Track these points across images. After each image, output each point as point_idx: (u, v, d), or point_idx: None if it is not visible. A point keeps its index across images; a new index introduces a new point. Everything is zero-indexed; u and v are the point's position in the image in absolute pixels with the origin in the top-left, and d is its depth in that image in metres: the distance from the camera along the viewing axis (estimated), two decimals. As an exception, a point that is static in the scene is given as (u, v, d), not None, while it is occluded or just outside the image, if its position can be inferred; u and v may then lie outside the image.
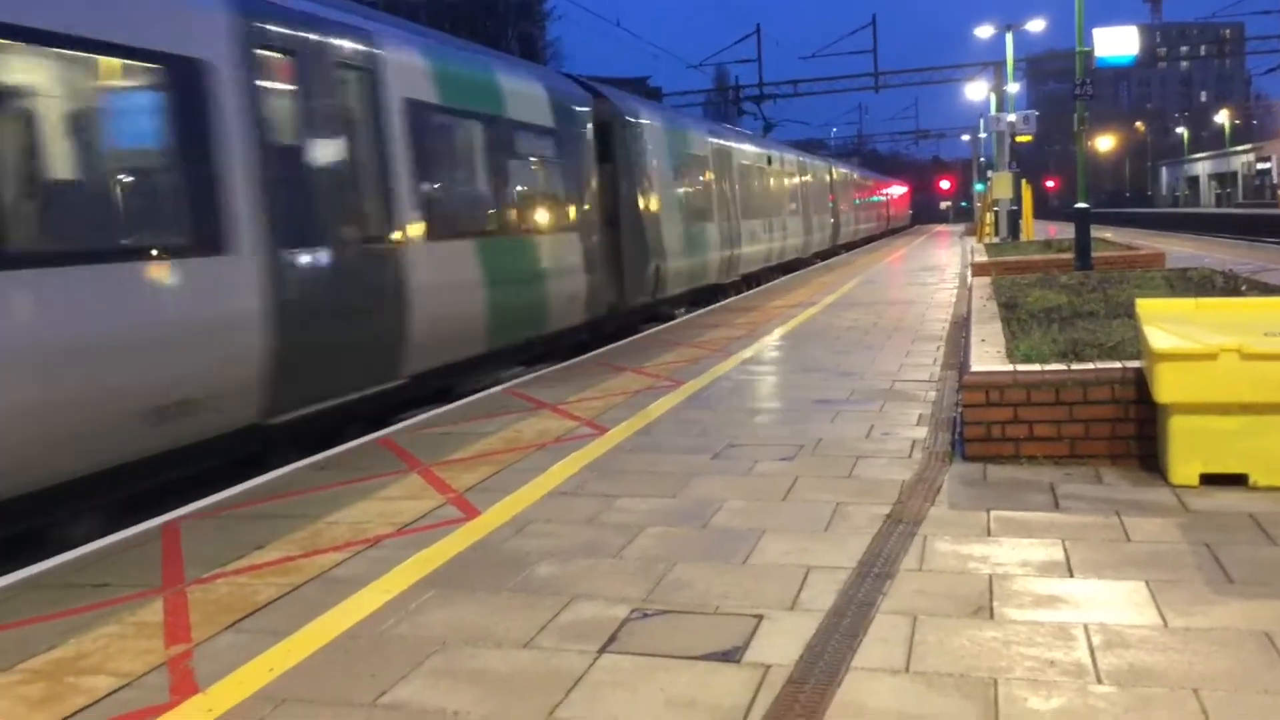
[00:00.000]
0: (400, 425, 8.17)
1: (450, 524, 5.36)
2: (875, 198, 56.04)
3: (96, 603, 4.46)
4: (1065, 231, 26.50)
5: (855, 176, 47.78)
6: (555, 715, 3.26)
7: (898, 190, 70.67)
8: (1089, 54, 17.82)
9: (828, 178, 38.16)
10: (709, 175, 21.15)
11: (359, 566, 4.76)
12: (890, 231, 61.28)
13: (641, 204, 16.42)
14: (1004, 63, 35.13)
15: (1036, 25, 34.52)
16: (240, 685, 3.57)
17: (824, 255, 35.92)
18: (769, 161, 27.42)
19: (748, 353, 11.32)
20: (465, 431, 7.72)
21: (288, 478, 6.57)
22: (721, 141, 22.66)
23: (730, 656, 3.63)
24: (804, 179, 32.65)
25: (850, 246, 42.78)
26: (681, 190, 18.94)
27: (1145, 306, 6.51)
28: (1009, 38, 33.47)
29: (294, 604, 4.32)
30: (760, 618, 3.96)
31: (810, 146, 56.03)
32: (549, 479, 6.18)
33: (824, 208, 36.78)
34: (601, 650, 3.73)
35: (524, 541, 5.03)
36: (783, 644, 3.71)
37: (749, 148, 25.53)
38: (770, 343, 12.12)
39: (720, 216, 21.52)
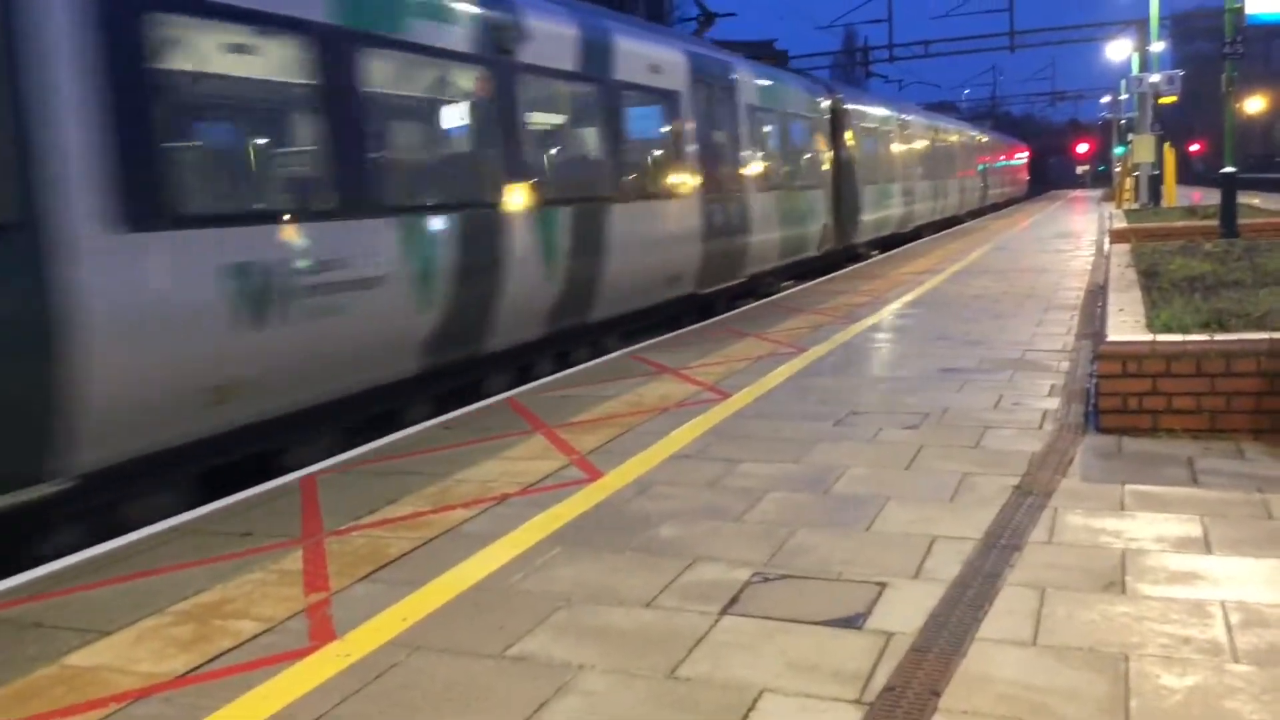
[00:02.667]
0: (525, 388, 8.32)
1: (574, 484, 5.45)
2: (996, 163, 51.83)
3: (240, 551, 4.68)
4: (1209, 198, 25.37)
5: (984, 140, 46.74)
6: (677, 673, 3.31)
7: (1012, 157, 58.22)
8: (1239, 11, 16.92)
9: (979, 141, 43.38)
10: (893, 145, 26.30)
11: (486, 523, 4.88)
12: (1001, 204, 49.33)
13: (853, 170, 21.67)
14: (1147, 20, 33.63)
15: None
16: (375, 633, 3.72)
17: (975, 214, 39.77)
18: (935, 132, 32.74)
19: (872, 319, 11.17)
20: (588, 394, 7.82)
21: (417, 436, 6.77)
22: (901, 116, 27.79)
23: (852, 623, 3.63)
24: (961, 144, 37.90)
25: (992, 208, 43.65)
26: (876, 158, 24.11)
27: (1296, 275, 6.21)
28: (1153, -7, 31.97)
29: (425, 557, 4.47)
30: (883, 585, 3.94)
31: (941, 109, 54.61)
32: (671, 442, 6.23)
33: (974, 171, 41.57)
34: (723, 612, 3.77)
35: (646, 503, 5.09)
36: (906, 612, 3.69)
37: (918, 119, 30.55)
38: (895, 310, 11.94)
39: (901, 179, 26.68)
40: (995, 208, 45.85)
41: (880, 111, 25.67)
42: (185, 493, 6.08)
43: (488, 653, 3.52)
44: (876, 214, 23.80)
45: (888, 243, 24.93)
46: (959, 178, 37.60)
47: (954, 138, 37.38)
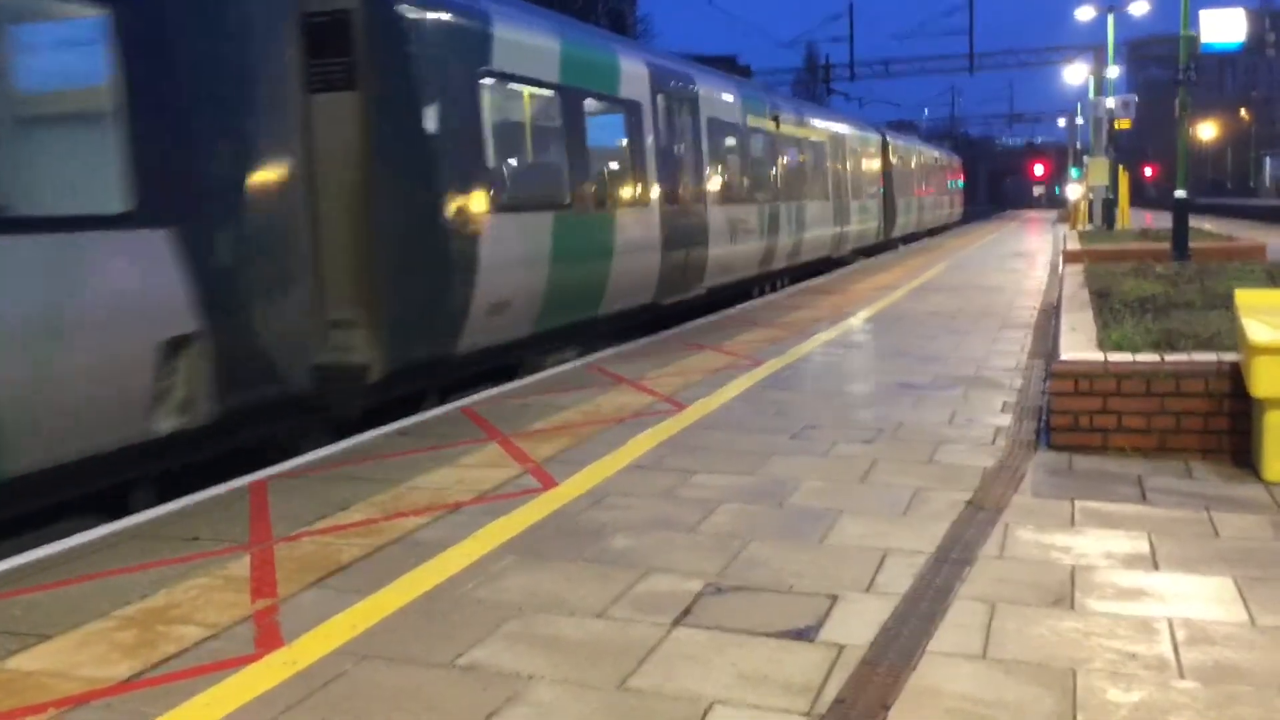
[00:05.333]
0: (480, 395, 8.27)
1: (529, 493, 5.42)
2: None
3: (187, 555, 4.60)
4: (1162, 221, 25.75)
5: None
6: (628, 684, 3.29)
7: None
8: (1194, 38, 17.24)
9: (953, 163, 49.76)
10: (912, 168, 34.58)
11: (439, 531, 4.84)
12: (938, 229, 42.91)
13: (894, 186, 30.23)
14: (1104, 46, 34.20)
15: (1140, 8, 33.49)
16: (323, 640, 3.67)
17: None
18: (935, 158, 42.16)
19: (829, 335, 11.23)
20: (544, 403, 7.79)
21: (370, 443, 6.70)
22: (916, 147, 37.27)
23: (804, 635, 3.63)
24: (944, 166, 45.24)
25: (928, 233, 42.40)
26: (905, 177, 32.53)
27: (1244, 298, 6.32)
28: (1110, 20, 32.57)
29: (376, 564, 4.42)
30: (835, 598, 3.95)
31: (901, 129, 55.17)
32: (626, 453, 6.22)
33: (957, 189, 49.90)
34: (675, 623, 3.75)
35: (601, 513, 5.07)
36: (857, 625, 3.70)
37: (921, 148, 39.45)
38: (853, 325, 12.01)
39: (914, 192, 35.10)
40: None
41: (910, 144, 33.08)
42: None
43: (437, 661, 3.48)
44: (902, 219, 30.62)
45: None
46: (949, 193, 41.86)
47: (943, 162, 42.41)
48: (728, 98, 16.25)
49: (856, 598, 3.95)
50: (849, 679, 3.29)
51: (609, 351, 10.66)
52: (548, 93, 10.43)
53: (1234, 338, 6.27)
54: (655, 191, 12.77)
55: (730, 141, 16.37)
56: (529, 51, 9.99)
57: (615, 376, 8.89)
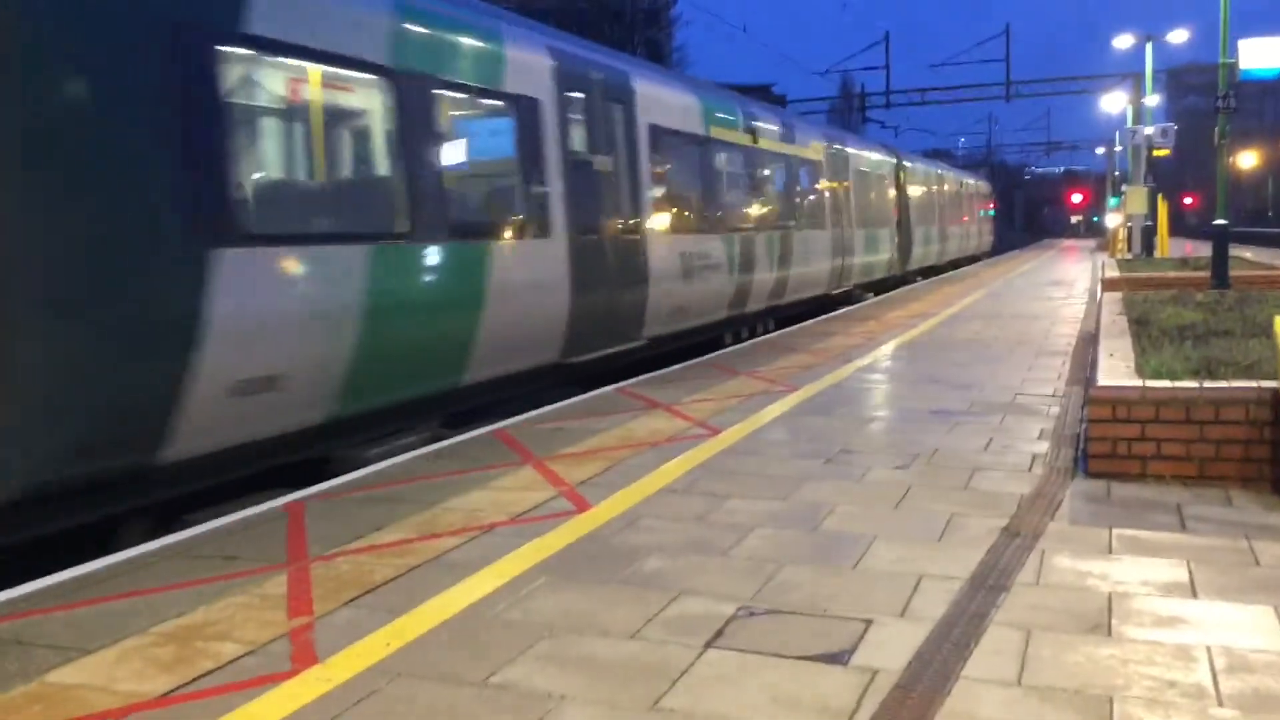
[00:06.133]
0: (515, 420, 8.31)
1: (562, 515, 5.44)
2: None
3: (225, 574, 4.66)
4: (1202, 250, 25.52)
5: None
6: (660, 705, 3.29)
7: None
8: (1233, 65, 17.13)
9: (981, 189, 47.41)
10: (933, 194, 32.34)
11: (473, 552, 4.87)
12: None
13: (909, 213, 27.76)
14: (1142, 74, 34.02)
15: (1179, 36, 33.34)
16: (357, 658, 3.69)
17: (973, 260, 41.88)
18: (961, 185, 39.65)
19: (864, 361, 11.20)
20: (578, 428, 7.82)
21: (405, 465, 6.75)
22: (938, 171, 34.88)
23: (837, 659, 3.61)
24: (971, 193, 42.91)
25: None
26: (925, 204, 30.51)
27: (1285, 325, 6.24)
28: (1149, 48, 32.42)
29: (410, 584, 4.45)
30: (869, 622, 3.93)
31: (937, 156, 55.11)
32: (660, 476, 6.23)
33: (987, 218, 48.08)
34: (707, 645, 3.75)
35: (634, 536, 5.07)
36: (891, 650, 3.67)
37: (945, 172, 36.70)
38: (888, 352, 11.97)
39: (935, 222, 32.56)
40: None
41: (926, 166, 32.48)
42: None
43: (470, 680, 3.50)
44: (919, 250, 29.66)
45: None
46: (975, 222, 40.97)
47: (972, 189, 41.59)
48: (681, 101, 13.29)
49: (890, 622, 3.93)
50: (882, 703, 3.27)
51: (643, 377, 10.68)
52: (365, 77, 7.58)
53: (1275, 365, 6.20)
54: (560, 217, 9.88)
55: (685, 156, 13.38)
56: (311, 9, 7.00)
57: (650, 401, 8.90)
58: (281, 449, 6.81)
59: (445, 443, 7.41)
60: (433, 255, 8.02)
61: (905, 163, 28.34)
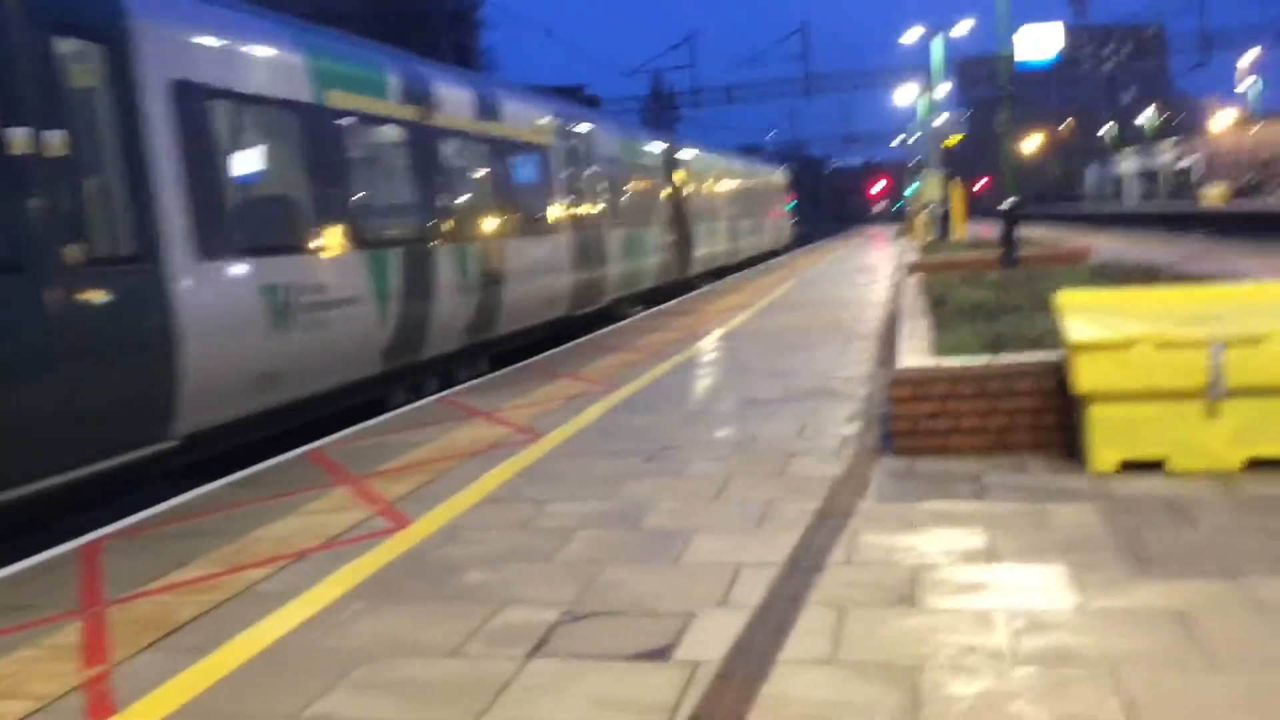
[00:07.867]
0: (331, 438, 8.07)
1: (379, 535, 5.30)
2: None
3: (14, 625, 4.34)
4: (998, 231, 26.88)
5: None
6: (481, 721, 3.23)
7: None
8: (1010, 57, 18.16)
9: (775, 178, 44.63)
10: (718, 188, 29.33)
11: (284, 581, 4.68)
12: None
13: (689, 209, 24.72)
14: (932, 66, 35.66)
15: (964, 28, 35.14)
16: (159, 704, 3.50)
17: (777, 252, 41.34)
18: (753, 175, 37.10)
19: (683, 356, 11.35)
20: (398, 441, 7.65)
21: (211, 495, 6.46)
22: (723, 161, 31.41)
23: (660, 655, 3.63)
24: (765, 184, 40.59)
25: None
26: (708, 199, 27.44)
27: (1065, 299, 6.62)
28: (935, 42, 34.03)
29: (216, 621, 4.25)
30: (691, 616, 3.96)
31: (749, 152, 56.33)
32: (481, 486, 6.14)
33: (783, 209, 45.55)
34: (530, 655, 3.71)
35: (454, 549, 4.98)
36: (712, 640, 3.71)
37: (732, 162, 33.50)
38: (706, 345, 12.17)
39: (723, 217, 29.75)
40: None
41: (712, 158, 29.61)
42: None
43: (282, 714, 3.35)
44: (704, 250, 26.87)
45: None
46: (767, 217, 38.90)
47: (765, 183, 39.88)
48: (260, 51, 8.59)
49: (711, 613, 3.97)
50: (704, 695, 3.30)
51: (464, 385, 10.54)
52: None
53: (1059, 337, 6.57)
54: None
55: (276, 134, 9.00)
56: None
57: (470, 410, 8.79)
58: None
59: (253, 469, 7.13)
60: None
61: (680, 152, 24.63)
